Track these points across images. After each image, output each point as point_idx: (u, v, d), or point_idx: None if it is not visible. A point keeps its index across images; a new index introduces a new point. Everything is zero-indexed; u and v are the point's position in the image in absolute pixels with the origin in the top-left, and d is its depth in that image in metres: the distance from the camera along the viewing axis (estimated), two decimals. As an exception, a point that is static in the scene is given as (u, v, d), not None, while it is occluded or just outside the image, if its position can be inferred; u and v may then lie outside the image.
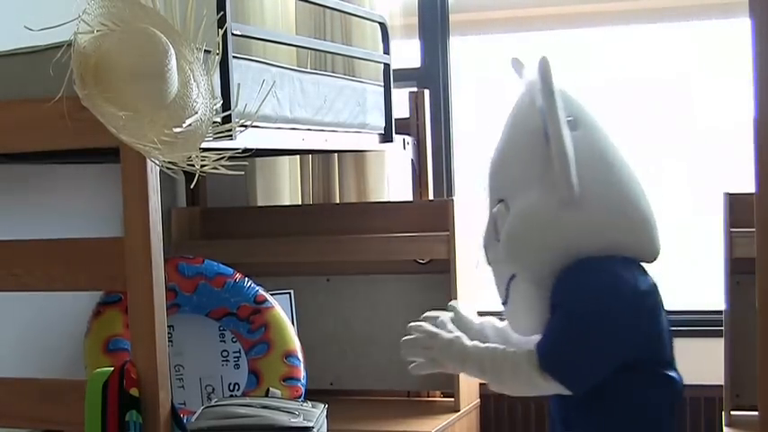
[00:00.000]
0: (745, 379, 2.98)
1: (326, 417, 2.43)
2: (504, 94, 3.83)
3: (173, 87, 1.87)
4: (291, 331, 2.96)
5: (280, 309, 3.00)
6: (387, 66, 3.24)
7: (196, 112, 1.93)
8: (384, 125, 3.19)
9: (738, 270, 3.04)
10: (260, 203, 3.62)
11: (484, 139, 3.93)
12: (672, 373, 2.19)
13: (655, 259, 2.23)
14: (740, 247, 3.02)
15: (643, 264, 2.21)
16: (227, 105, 2.13)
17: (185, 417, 2.32)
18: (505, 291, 2.22)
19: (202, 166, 1.88)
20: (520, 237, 2.16)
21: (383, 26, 3.30)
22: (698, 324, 3.48)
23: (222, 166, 1.90)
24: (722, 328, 3.13)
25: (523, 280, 2.17)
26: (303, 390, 2.87)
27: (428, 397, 3.42)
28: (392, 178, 3.61)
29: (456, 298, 2.98)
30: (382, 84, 3.21)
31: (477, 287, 3.23)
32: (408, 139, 3.40)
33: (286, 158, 3.59)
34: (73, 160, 2.74)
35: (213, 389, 3.02)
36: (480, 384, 3.31)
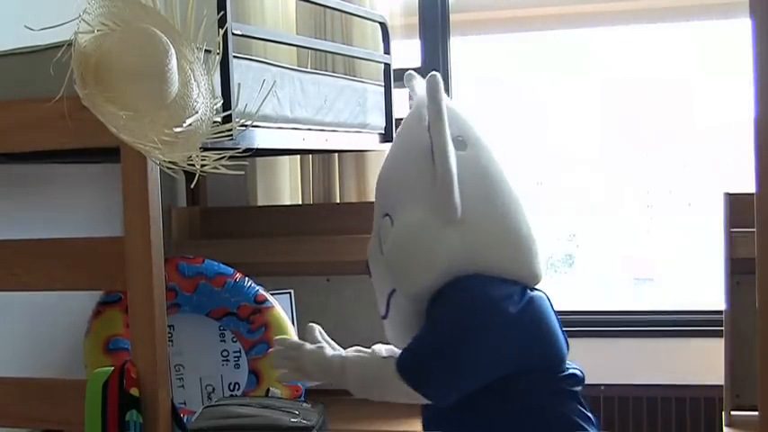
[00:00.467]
0: (745, 379, 2.98)
1: (326, 417, 2.43)
2: (504, 93, 3.85)
3: (173, 87, 1.87)
4: (292, 331, 2.96)
5: (280, 309, 3.00)
6: (387, 66, 3.24)
7: (196, 112, 1.93)
8: (384, 125, 3.19)
9: (738, 270, 3.04)
10: (260, 203, 3.62)
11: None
12: (563, 374, 2.19)
13: (536, 283, 2.23)
14: (740, 247, 3.02)
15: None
16: (227, 105, 2.13)
17: (185, 416, 2.32)
18: (386, 304, 2.24)
19: (203, 165, 1.88)
20: (400, 253, 2.17)
21: (383, 26, 3.30)
22: (698, 324, 3.48)
23: (222, 165, 1.90)
24: (722, 328, 3.13)
25: (402, 295, 2.18)
26: (303, 390, 2.87)
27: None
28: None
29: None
30: (383, 84, 3.21)
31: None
32: (408, 138, 3.40)
33: (286, 158, 3.59)
34: (73, 160, 2.73)
35: (213, 388, 3.02)
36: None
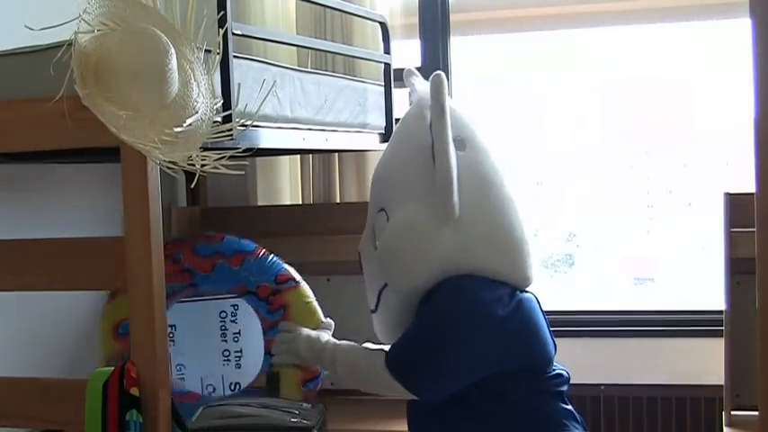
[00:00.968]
0: (746, 379, 2.98)
1: (326, 417, 2.43)
2: (504, 93, 3.85)
3: (173, 87, 1.87)
4: (314, 312, 2.82)
5: (305, 287, 2.88)
6: (387, 65, 3.24)
7: (197, 112, 1.93)
8: (385, 125, 3.19)
9: (738, 270, 3.04)
10: (260, 203, 3.62)
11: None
12: (549, 375, 2.21)
13: (526, 285, 2.23)
14: (740, 246, 3.02)
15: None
16: (227, 105, 2.13)
17: (191, 401, 2.32)
18: (377, 298, 2.24)
19: (203, 165, 1.88)
20: (395, 249, 2.18)
21: (384, 26, 3.30)
22: (698, 324, 3.48)
23: (222, 165, 1.90)
24: (722, 328, 3.13)
25: (393, 291, 2.19)
26: (320, 373, 2.75)
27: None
28: (392, 178, 3.60)
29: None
30: (383, 83, 3.21)
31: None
32: (409, 138, 3.40)
33: (286, 158, 3.59)
34: (73, 160, 2.73)
35: (214, 388, 3.01)
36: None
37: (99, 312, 2.82)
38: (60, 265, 2.04)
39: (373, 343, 2.39)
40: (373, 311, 2.31)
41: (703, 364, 3.38)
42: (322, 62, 3.49)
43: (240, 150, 1.96)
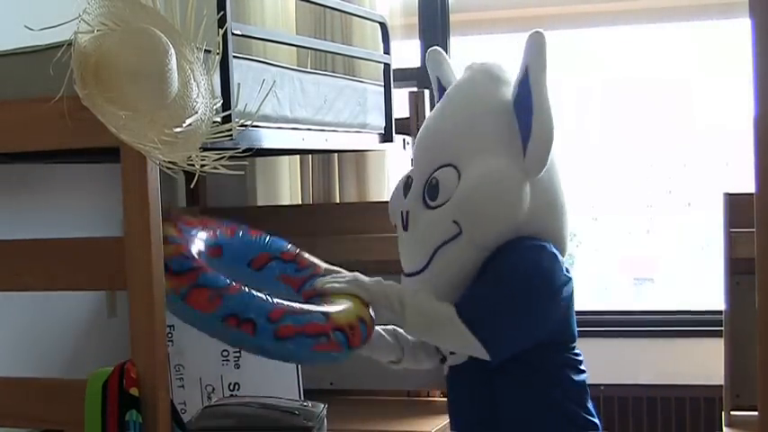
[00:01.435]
0: (745, 379, 2.98)
1: (326, 417, 2.43)
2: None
3: (173, 87, 1.87)
4: (340, 272, 2.54)
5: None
6: (387, 66, 3.24)
7: (196, 112, 1.93)
8: (384, 125, 3.19)
9: (738, 270, 3.05)
10: (260, 203, 3.62)
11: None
12: (577, 349, 2.24)
13: (565, 253, 2.26)
14: (740, 247, 3.02)
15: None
16: (227, 105, 2.13)
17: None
18: (431, 254, 2.21)
19: (202, 165, 1.88)
20: (484, 199, 2.15)
21: (383, 26, 3.30)
22: (698, 324, 3.49)
23: (222, 165, 1.90)
24: (722, 328, 3.13)
25: (468, 242, 2.16)
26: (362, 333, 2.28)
27: (428, 397, 3.42)
28: (392, 178, 3.61)
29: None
30: (382, 84, 3.21)
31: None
32: (408, 139, 3.40)
33: (286, 158, 3.59)
34: (73, 160, 2.74)
35: (213, 389, 3.02)
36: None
37: (98, 312, 2.81)
38: (60, 265, 2.04)
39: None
40: (416, 273, 2.25)
41: (703, 364, 3.38)
42: (322, 62, 3.49)
43: (240, 150, 1.96)
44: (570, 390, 2.21)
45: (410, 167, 2.35)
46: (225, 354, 3.04)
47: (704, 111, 3.72)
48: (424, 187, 2.21)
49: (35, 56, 1.99)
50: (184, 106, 1.91)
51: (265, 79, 2.36)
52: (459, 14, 3.72)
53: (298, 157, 3.60)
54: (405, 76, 3.55)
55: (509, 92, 2.24)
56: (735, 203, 3.08)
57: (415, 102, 3.48)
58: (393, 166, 3.60)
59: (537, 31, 2.20)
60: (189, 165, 1.87)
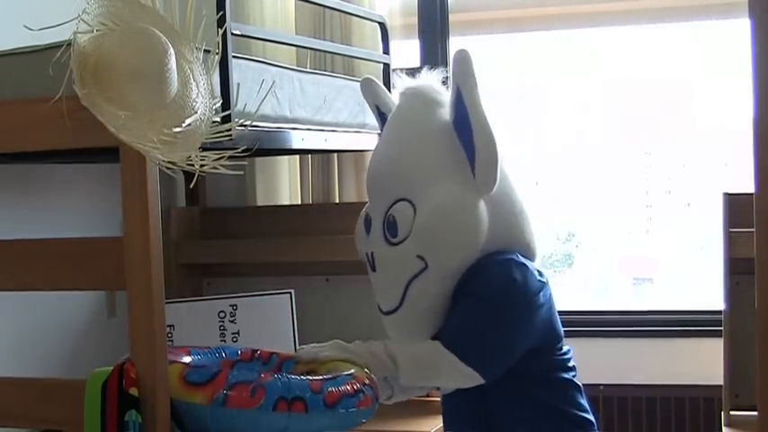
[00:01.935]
0: (745, 379, 2.98)
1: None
2: (503, 93, 3.85)
3: (172, 87, 1.87)
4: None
5: None
6: (386, 66, 3.24)
7: (196, 112, 1.93)
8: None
9: (738, 270, 3.05)
10: (259, 203, 3.62)
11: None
12: (564, 347, 2.25)
13: (535, 258, 2.26)
14: (739, 247, 3.02)
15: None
16: (226, 105, 2.13)
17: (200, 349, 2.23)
18: (403, 294, 2.21)
19: (202, 165, 1.88)
20: (442, 229, 2.16)
21: (383, 26, 3.30)
22: (697, 324, 3.48)
23: (222, 165, 1.90)
24: (721, 328, 3.13)
25: (436, 272, 2.17)
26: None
27: (428, 397, 3.42)
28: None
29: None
30: (382, 83, 3.20)
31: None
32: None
33: (286, 158, 3.59)
34: (72, 160, 2.73)
35: (213, 388, 3.02)
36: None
37: (98, 312, 2.80)
38: (60, 265, 2.03)
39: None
40: (393, 311, 2.26)
41: (702, 364, 3.38)
42: (321, 62, 3.49)
43: (239, 150, 1.96)
44: (560, 389, 2.22)
45: (367, 204, 2.35)
46: (224, 354, 3.04)
47: (704, 111, 3.72)
48: (384, 225, 2.23)
49: (34, 56, 1.99)
50: (184, 106, 1.91)
51: (265, 79, 2.36)
52: (458, 14, 3.71)
53: (297, 156, 3.60)
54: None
55: (446, 112, 2.24)
56: (734, 203, 3.08)
57: (415, 102, 3.48)
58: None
59: (461, 50, 2.22)
60: (188, 165, 1.87)
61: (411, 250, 2.18)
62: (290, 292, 3.22)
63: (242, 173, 1.97)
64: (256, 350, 2.39)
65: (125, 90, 1.81)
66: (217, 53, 2.05)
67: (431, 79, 2.33)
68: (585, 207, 4.04)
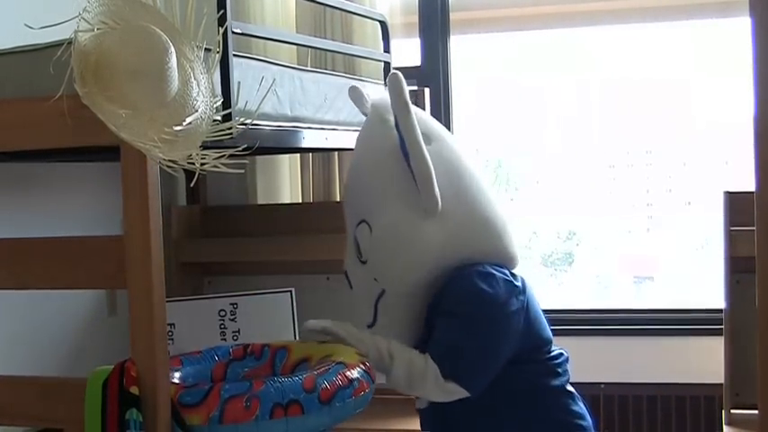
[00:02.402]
0: (745, 378, 2.98)
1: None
2: (503, 92, 3.85)
3: (173, 85, 1.87)
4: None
5: None
6: (387, 64, 3.24)
7: (196, 111, 1.93)
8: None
9: (738, 269, 3.04)
10: (260, 201, 3.62)
11: (484, 137, 3.94)
12: (553, 352, 2.25)
13: (515, 265, 2.26)
14: (740, 245, 3.02)
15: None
16: (227, 103, 2.13)
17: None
18: (374, 311, 2.24)
19: (202, 164, 1.88)
20: (387, 252, 2.19)
21: (383, 24, 3.30)
22: (698, 323, 3.48)
23: (222, 164, 1.90)
24: (722, 326, 3.13)
25: (394, 294, 2.19)
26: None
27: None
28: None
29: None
30: (383, 82, 3.21)
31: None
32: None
33: (286, 157, 3.59)
34: (73, 159, 2.73)
35: (213, 387, 3.02)
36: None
37: (98, 311, 2.80)
38: (60, 264, 2.03)
39: None
40: (370, 326, 2.29)
41: (703, 362, 3.38)
42: (322, 61, 3.49)
43: (240, 149, 1.96)
44: (549, 397, 2.21)
45: None
46: (225, 352, 3.04)
47: (704, 109, 3.72)
48: (354, 245, 2.25)
49: (35, 54, 1.99)
50: (184, 105, 1.91)
51: (265, 78, 2.36)
52: (459, 13, 3.71)
53: (298, 155, 3.60)
54: (405, 75, 3.51)
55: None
56: (735, 202, 3.08)
57: (415, 100, 3.47)
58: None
59: (393, 74, 2.23)
60: (189, 163, 1.87)
61: (369, 273, 2.22)
62: (291, 291, 3.22)
63: (243, 171, 1.97)
64: (248, 345, 2.41)
65: (126, 88, 1.81)
66: (217, 52, 2.05)
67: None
68: (586, 206, 4.04)
